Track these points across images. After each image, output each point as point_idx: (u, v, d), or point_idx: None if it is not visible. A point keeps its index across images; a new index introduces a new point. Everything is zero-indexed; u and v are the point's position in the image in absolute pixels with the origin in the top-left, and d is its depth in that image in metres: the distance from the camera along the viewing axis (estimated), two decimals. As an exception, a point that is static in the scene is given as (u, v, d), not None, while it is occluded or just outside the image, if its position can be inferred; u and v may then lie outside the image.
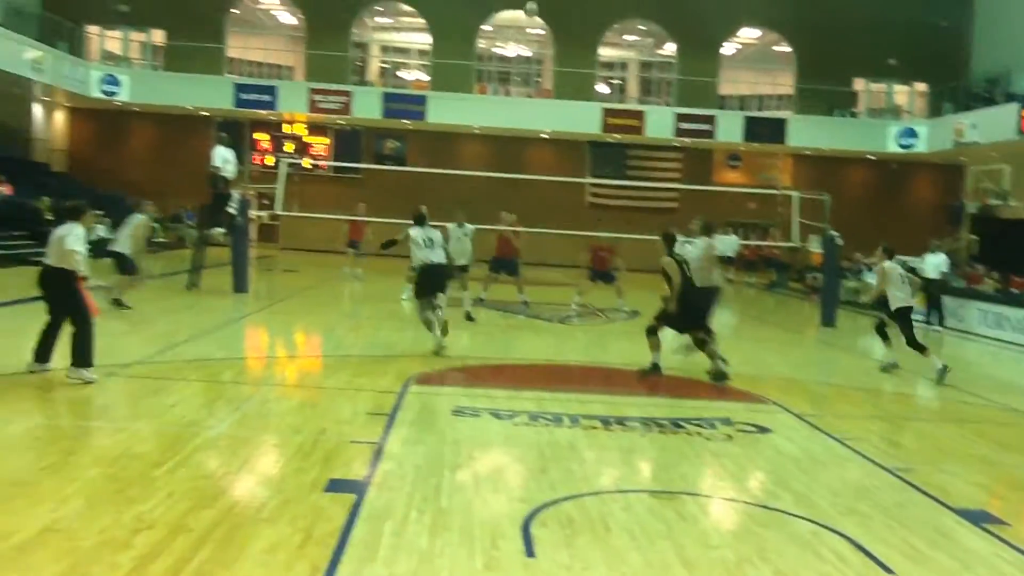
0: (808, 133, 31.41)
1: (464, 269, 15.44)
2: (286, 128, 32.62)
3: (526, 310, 16.63)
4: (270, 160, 31.28)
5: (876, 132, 31.54)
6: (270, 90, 30.77)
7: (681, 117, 31.30)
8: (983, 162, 27.41)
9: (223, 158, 16.96)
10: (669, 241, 10.59)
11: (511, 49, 34.75)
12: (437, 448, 6.81)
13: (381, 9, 33.89)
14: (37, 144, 30.48)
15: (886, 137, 31.10)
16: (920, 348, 11.75)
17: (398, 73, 35.87)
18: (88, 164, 31.73)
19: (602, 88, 34.71)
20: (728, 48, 34.27)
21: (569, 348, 13.13)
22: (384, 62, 35.84)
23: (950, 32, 31.41)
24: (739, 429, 8.03)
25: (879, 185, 33.56)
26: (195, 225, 27.10)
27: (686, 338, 10.84)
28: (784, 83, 33.96)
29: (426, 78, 33.49)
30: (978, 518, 5.84)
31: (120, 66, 31.39)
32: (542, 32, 33.84)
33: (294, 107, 31.05)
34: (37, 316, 8.75)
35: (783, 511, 5.78)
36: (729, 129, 31.31)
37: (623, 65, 36.49)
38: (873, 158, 32.70)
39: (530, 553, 4.82)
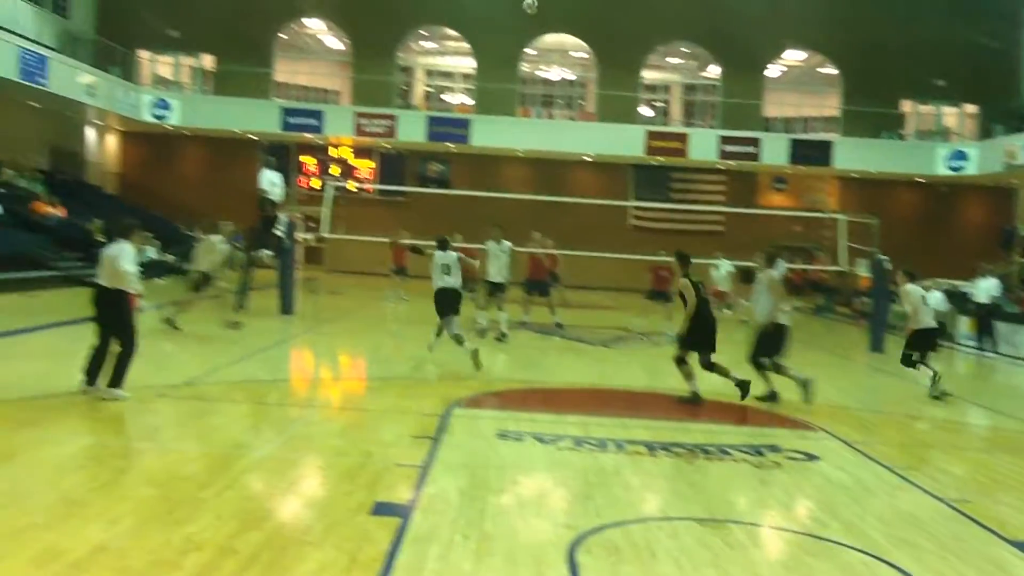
0: (855, 155, 31.11)
1: (501, 288, 15.47)
2: (332, 151, 33.05)
3: (562, 332, 16.66)
4: (316, 183, 31.67)
5: (925, 154, 31.13)
6: (317, 114, 31.22)
7: (725, 140, 31.19)
8: (1036, 184, 26.94)
9: (270, 181, 17.20)
10: (684, 262, 10.59)
11: (554, 72, 34.89)
12: (481, 472, 6.80)
13: (426, 34, 34.27)
14: (90, 167, 31.19)
15: (935, 159, 30.68)
16: (911, 365, 12.14)
17: (442, 97, 36.17)
18: (139, 187, 32.35)
19: (645, 111, 34.68)
20: (773, 70, 34.09)
21: (613, 372, 13.05)
22: (428, 86, 36.17)
23: (1000, 53, 30.96)
24: (787, 456, 7.91)
25: (928, 208, 33.10)
26: (243, 247, 27.52)
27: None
28: (830, 105, 33.69)
29: (470, 102, 33.74)
30: (1036, 551, 5.69)
31: (170, 91, 32.07)
32: (585, 55, 33.97)
33: (340, 131, 31.46)
34: (89, 336, 8.90)
35: (833, 540, 5.67)
36: (774, 152, 31.11)
37: (666, 88, 36.46)
38: (922, 181, 32.26)
39: (576, 580, 4.78)
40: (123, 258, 8.40)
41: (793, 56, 34.23)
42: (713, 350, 10.37)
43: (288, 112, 31.09)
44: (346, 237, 23.79)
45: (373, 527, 5.37)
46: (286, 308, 17.04)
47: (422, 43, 35.22)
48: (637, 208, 32.13)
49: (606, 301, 23.27)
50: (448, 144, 31.52)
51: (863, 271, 23.71)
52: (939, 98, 32.56)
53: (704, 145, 31.24)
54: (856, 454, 8.23)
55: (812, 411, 9.91)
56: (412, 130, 31.07)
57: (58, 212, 23.46)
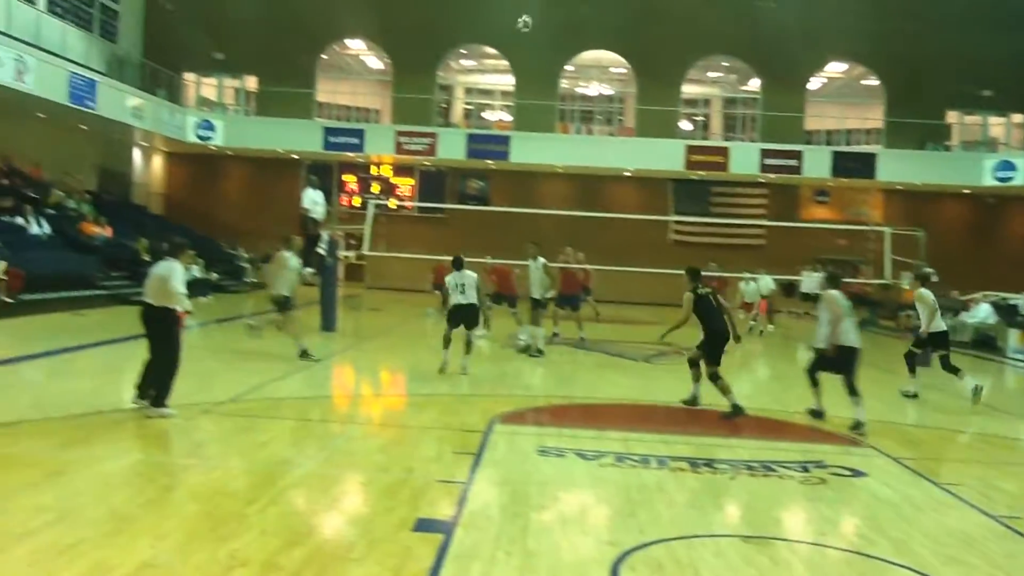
0: (899, 167, 30.70)
1: (538, 304, 15.47)
2: (373, 170, 33.35)
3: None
4: (357, 201, 31.96)
5: (971, 165, 30.63)
6: (358, 133, 31.55)
7: (766, 153, 30.96)
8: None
9: (312, 200, 17.36)
10: (693, 276, 10.83)
11: (593, 88, 34.92)
12: (523, 488, 6.78)
13: (465, 52, 34.49)
14: (136, 187, 31.76)
15: (982, 170, 30.17)
16: (912, 369, 12.77)
17: (482, 114, 36.36)
18: (184, 206, 32.88)
19: (685, 125, 34.55)
20: (814, 82, 33.82)
21: (654, 387, 12.96)
22: (468, 104, 36.37)
23: (1047, 62, 30.47)
24: (833, 472, 7.80)
25: (975, 220, 32.56)
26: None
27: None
28: (873, 117, 33.32)
29: (509, 118, 33.86)
30: (1093, 571, 5.54)
31: (215, 112, 32.60)
32: (624, 70, 33.97)
33: (381, 149, 31.73)
34: (136, 354, 9.06)
35: (882, 559, 5.58)
36: (816, 164, 30.82)
37: (706, 102, 36.32)
38: (968, 192, 31.74)
39: (619, 598, 4.75)
40: (173, 277, 8.57)
41: (834, 68, 33.94)
42: (717, 363, 10.51)
43: (330, 131, 31.45)
44: (387, 255, 23.98)
45: (415, 543, 5.38)
46: (328, 325, 17.17)
47: (461, 61, 35.46)
48: (677, 223, 31.96)
49: (647, 316, 23.14)
50: (488, 161, 31.66)
51: (908, 284, 23.38)
52: (985, 108, 32.06)
53: (745, 159, 31.04)
54: (903, 470, 8.09)
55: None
56: (452, 148, 31.26)
57: (105, 232, 23.89)
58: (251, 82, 33.50)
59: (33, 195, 23.02)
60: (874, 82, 33.13)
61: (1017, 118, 32.10)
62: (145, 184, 32.52)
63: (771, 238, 31.45)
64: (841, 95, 34.40)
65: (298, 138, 31.54)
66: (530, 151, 31.01)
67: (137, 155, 32.07)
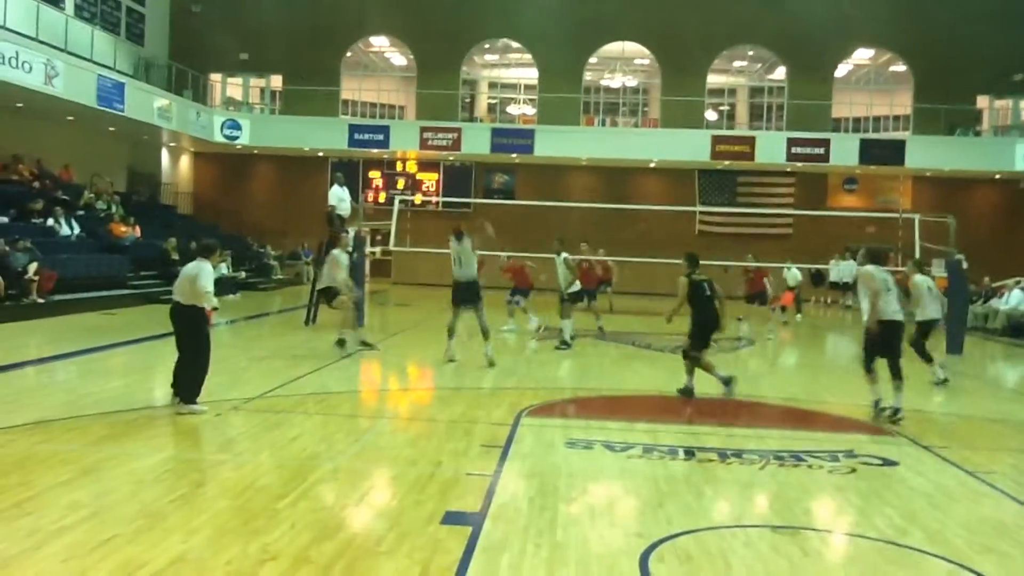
0: (928, 154, 30.34)
1: (563, 298, 15.50)
2: (398, 166, 33.45)
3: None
4: (383, 197, 32.07)
5: (1002, 150, 30.23)
6: (383, 130, 31.67)
7: (793, 141, 30.71)
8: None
9: (338, 197, 17.45)
10: (691, 262, 11.03)
11: (617, 80, 34.79)
12: (551, 481, 6.78)
13: (488, 47, 34.48)
14: (164, 188, 32.06)
15: (1014, 155, 29.75)
16: (928, 357, 12.54)
17: (506, 108, 36.33)
18: (211, 206, 33.17)
19: (710, 115, 34.34)
20: (841, 70, 33.48)
21: (681, 378, 12.88)
22: (492, 98, 36.36)
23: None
24: (863, 462, 7.73)
25: (1007, 206, 32.15)
26: (312, 262, 27.97)
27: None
28: (901, 103, 32.93)
29: (533, 112, 33.83)
30: None
31: (241, 111, 32.84)
32: (647, 62, 33.82)
33: (406, 145, 31.82)
34: (166, 352, 9.16)
35: (915, 548, 5.52)
36: (844, 152, 30.54)
37: (732, 91, 36.08)
38: (999, 177, 31.31)
39: (648, 589, 4.74)
40: (202, 277, 8.74)
41: (861, 55, 33.59)
42: (707, 347, 10.88)
43: (355, 129, 31.58)
44: (413, 250, 24.05)
45: (445, 536, 5.39)
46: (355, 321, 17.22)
47: (485, 56, 35.45)
48: (703, 213, 31.79)
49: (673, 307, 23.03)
50: (512, 155, 31.64)
51: (939, 271, 23.11)
52: (1016, 92, 31.60)
53: (772, 148, 30.81)
54: (936, 459, 8.01)
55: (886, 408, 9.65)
56: (476, 142, 31.29)
57: (134, 233, 24.14)
58: (276, 81, 33.73)
59: (63, 197, 23.31)
60: (902, 68, 32.76)
61: (1049, 102, 31.64)
62: (173, 184, 32.83)
63: (798, 227, 31.24)
64: (868, 82, 34.04)
65: (323, 136, 31.70)
66: (554, 144, 30.97)
67: (165, 156, 32.38)
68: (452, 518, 5.75)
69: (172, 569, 4.75)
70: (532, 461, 7.41)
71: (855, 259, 15.81)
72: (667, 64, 32.64)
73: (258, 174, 34.36)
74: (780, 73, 33.55)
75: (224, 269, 24.58)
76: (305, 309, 17.94)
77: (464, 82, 34.39)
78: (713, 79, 33.86)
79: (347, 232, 17.22)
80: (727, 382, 10.72)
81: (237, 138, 31.23)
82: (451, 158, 32.66)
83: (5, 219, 20.09)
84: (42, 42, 22.12)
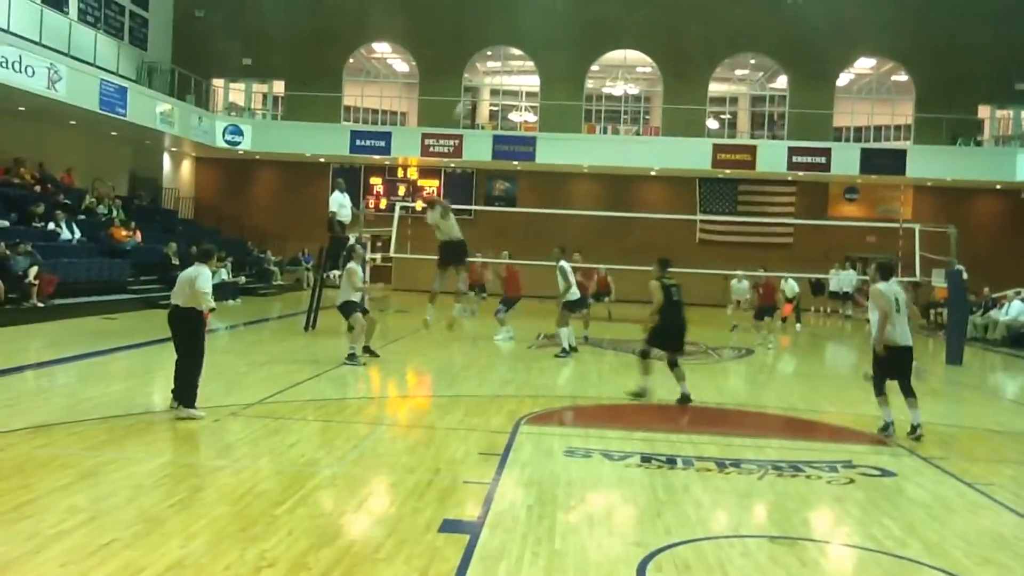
0: (929, 163, 30.33)
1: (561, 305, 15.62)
2: (399, 172, 33.49)
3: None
4: (384, 203, 32.07)
5: (1003, 160, 30.20)
6: (384, 136, 31.69)
7: (794, 150, 30.72)
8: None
9: (339, 203, 17.46)
10: (662, 265, 11.28)
11: (619, 88, 34.84)
12: (550, 489, 6.78)
13: (490, 54, 34.53)
14: (166, 193, 32.09)
15: (1015, 165, 29.73)
16: None
17: (508, 115, 36.36)
18: (213, 211, 33.18)
19: (711, 123, 34.37)
20: (843, 79, 33.53)
21: (676, 388, 12.90)
22: (493, 105, 36.42)
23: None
24: (862, 472, 7.73)
25: (1008, 216, 32.13)
26: (312, 268, 27.99)
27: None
28: (903, 113, 32.96)
29: (534, 119, 33.86)
30: None
31: (243, 117, 32.89)
32: (649, 70, 33.87)
33: (407, 152, 31.83)
34: (166, 357, 9.17)
35: (913, 560, 5.52)
36: (845, 161, 30.52)
37: (733, 100, 36.12)
38: (1000, 187, 31.32)
39: (646, 598, 4.74)
40: (201, 279, 8.82)
41: (863, 64, 33.63)
42: (678, 350, 11.10)
43: (356, 135, 31.60)
44: (413, 256, 24.03)
45: (442, 544, 5.40)
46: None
47: (487, 63, 35.51)
48: (704, 222, 31.79)
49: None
50: (514, 162, 31.68)
51: (939, 281, 23.14)
52: (1017, 102, 31.63)
53: (772, 156, 30.81)
54: (935, 470, 8.01)
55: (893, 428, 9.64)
56: (478, 149, 31.29)
57: (135, 237, 24.15)
58: (279, 87, 33.76)
59: (65, 201, 23.33)
60: (903, 77, 32.80)
61: (1050, 112, 31.65)
62: (175, 189, 32.85)
63: (799, 236, 31.25)
64: (870, 91, 34.07)
65: (325, 142, 31.70)
66: (556, 152, 30.98)
67: (167, 160, 32.40)
68: (450, 526, 5.76)
69: (170, 574, 4.76)
70: (530, 469, 7.41)
71: (855, 268, 15.84)
72: (669, 72, 32.69)
73: (260, 179, 34.39)
74: (782, 82, 33.58)
75: (224, 274, 24.60)
76: (305, 315, 17.92)
77: (466, 89, 34.44)
78: (715, 87, 33.89)
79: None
80: (641, 393, 11.04)
81: (239, 143, 31.26)
82: (452, 165, 32.70)
83: (6, 223, 20.10)
84: (45, 46, 22.17)
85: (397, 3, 32.68)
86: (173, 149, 32.11)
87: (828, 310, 29.14)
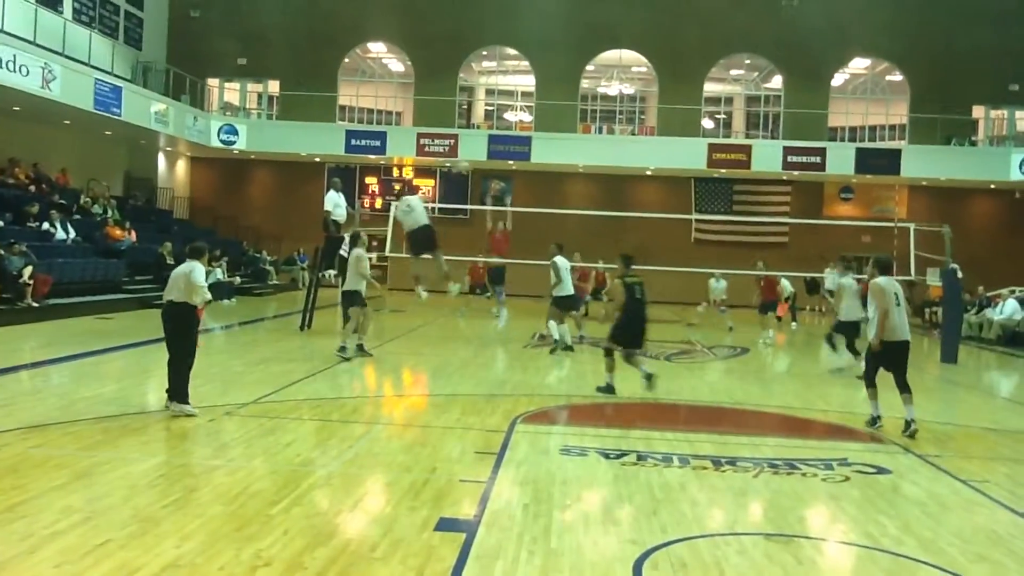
0: (924, 163, 30.41)
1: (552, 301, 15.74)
2: (395, 172, 33.47)
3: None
4: (379, 203, 32.06)
5: (998, 160, 30.28)
6: (380, 136, 31.69)
7: (789, 150, 30.77)
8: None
9: (334, 202, 17.43)
10: (625, 263, 11.50)
11: (614, 88, 34.86)
12: (545, 488, 6.78)
13: (486, 53, 34.53)
14: (161, 192, 32.04)
15: (1009, 165, 29.81)
16: (833, 347, 14.44)
17: (503, 115, 36.35)
18: (208, 210, 33.14)
19: (707, 123, 34.40)
20: (838, 79, 33.58)
21: (676, 385, 12.91)
22: (489, 105, 36.41)
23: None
24: (857, 470, 7.74)
25: (1002, 215, 32.22)
26: (308, 267, 27.96)
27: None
28: (897, 113, 33.02)
29: (530, 119, 33.86)
30: (1123, 568, 5.46)
31: (238, 116, 32.85)
32: (645, 70, 33.89)
33: (402, 151, 31.83)
34: (161, 357, 9.16)
35: (909, 557, 5.53)
36: (840, 161, 30.58)
37: (728, 100, 36.15)
38: (995, 187, 31.39)
39: (642, 597, 4.74)
40: (195, 273, 8.90)
41: (858, 64, 33.69)
42: (638, 347, 11.34)
43: (352, 134, 31.60)
44: (409, 256, 23.97)
45: (438, 543, 5.39)
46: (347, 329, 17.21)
47: (483, 63, 35.50)
48: (699, 221, 31.85)
49: (669, 315, 23.07)
50: (509, 162, 31.67)
51: (934, 280, 23.20)
52: (1012, 102, 31.70)
53: (768, 156, 30.86)
54: (930, 467, 8.02)
55: (882, 424, 9.65)
56: (473, 149, 31.27)
57: (130, 237, 24.11)
58: (274, 86, 33.73)
59: (60, 201, 23.27)
60: (898, 77, 32.86)
61: (1044, 112, 31.72)
62: (170, 189, 32.81)
63: (794, 236, 31.28)
64: (865, 91, 34.13)
65: (320, 141, 31.70)
66: (551, 151, 31.00)
67: (161, 160, 32.35)
68: (446, 525, 5.75)
69: (165, 574, 4.74)
70: (526, 468, 7.41)
71: (849, 268, 15.95)
72: (664, 72, 32.71)
73: (255, 179, 34.35)
74: (777, 82, 33.64)
75: (219, 274, 24.56)
76: (300, 314, 17.90)
77: (461, 89, 34.42)
78: (710, 87, 33.93)
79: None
80: (608, 389, 11.16)
81: (234, 143, 31.23)
82: (447, 164, 32.68)
83: (1, 223, 20.06)
84: (40, 46, 22.10)
85: (392, 3, 32.70)
86: (168, 149, 32.06)
87: (823, 309, 29.16)
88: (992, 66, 30.52)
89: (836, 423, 10.25)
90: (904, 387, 9.43)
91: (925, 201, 31.77)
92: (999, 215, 32.24)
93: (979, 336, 21.53)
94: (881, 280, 9.65)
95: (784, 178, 31.87)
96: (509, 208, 19.06)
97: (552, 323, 15.61)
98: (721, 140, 32.81)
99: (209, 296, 9.15)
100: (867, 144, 32.31)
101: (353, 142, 31.40)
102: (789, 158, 30.67)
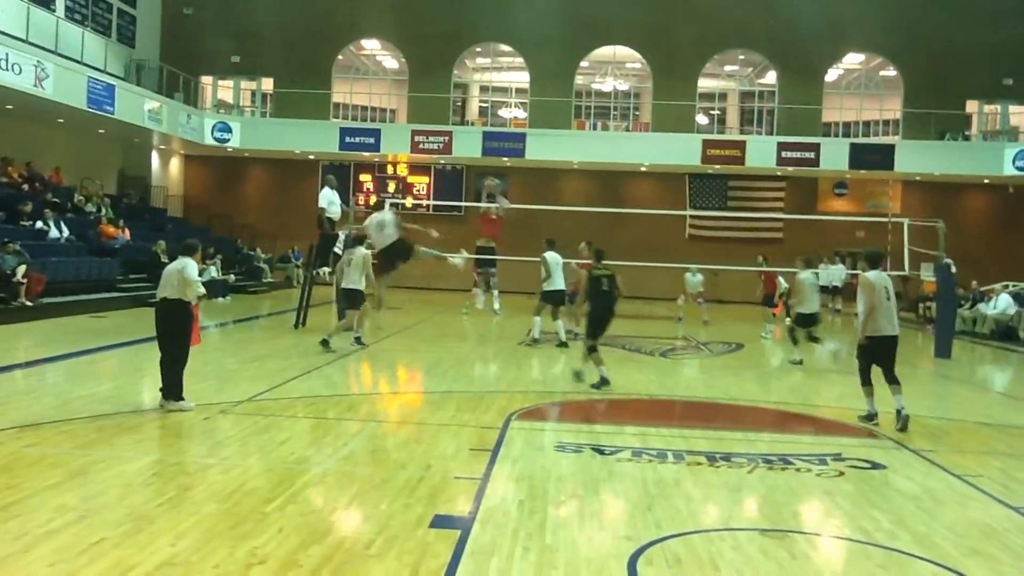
0: (918, 158, 30.44)
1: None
2: (389, 169, 33.45)
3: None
4: (373, 200, 31.99)
5: (991, 155, 30.34)
6: (374, 133, 31.63)
7: (783, 146, 30.77)
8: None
9: (328, 199, 17.42)
10: (596, 256, 11.87)
11: (608, 84, 34.86)
12: (540, 484, 6.79)
13: (480, 50, 34.50)
14: (155, 190, 31.98)
15: (1002, 160, 29.87)
16: (795, 340, 15.13)
17: (498, 112, 36.33)
18: (202, 208, 33.09)
19: (701, 119, 34.42)
20: (832, 74, 33.61)
21: (671, 381, 12.96)
22: (483, 101, 36.40)
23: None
24: (851, 465, 7.76)
25: (996, 210, 32.26)
26: (302, 265, 27.93)
27: None
28: (891, 108, 33.07)
29: (524, 116, 33.85)
30: (1116, 561, 5.48)
31: (232, 114, 32.79)
32: (639, 66, 33.90)
33: (397, 148, 31.79)
34: (155, 355, 9.16)
35: (903, 551, 5.55)
36: (834, 157, 30.60)
37: (723, 95, 36.16)
38: (988, 182, 31.45)
39: (636, 592, 4.75)
40: (188, 269, 8.92)
41: (852, 59, 33.73)
42: (594, 337, 11.51)
43: (346, 132, 31.54)
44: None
45: (433, 540, 5.40)
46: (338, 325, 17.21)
47: (477, 59, 35.48)
48: (694, 217, 31.87)
49: (664, 311, 23.09)
50: (503, 159, 31.66)
51: (928, 275, 23.26)
52: (1005, 97, 31.76)
53: (762, 152, 30.86)
54: (924, 462, 8.04)
55: (879, 421, 9.68)
56: (467, 146, 31.27)
57: (124, 235, 24.06)
58: (267, 84, 33.67)
59: (53, 199, 23.22)
60: (892, 73, 32.90)
61: (1038, 107, 31.80)
62: (164, 187, 32.74)
63: (789, 232, 31.27)
64: (859, 87, 34.17)
65: (314, 139, 31.65)
66: (546, 148, 30.97)
67: (155, 158, 32.28)
68: (441, 521, 5.76)
69: (160, 573, 4.74)
70: (521, 464, 7.41)
71: (844, 263, 16.08)
72: (658, 68, 32.71)
73: (249, 177, 34.29)
74: (771, 77, 33.66)
75: (214, 272, 24.52)
76: (295, 312, 17.88)
77: (456, 85, 34.40)
78: (704, 83, 33.94)
79: (337, 235, 17.23)
80: (602, 382, 11.29)
81: (228, 141, 31.17)
82: (442, 161, 32.67)
83: (-6, 221, 20.04)
84: (32, 44, 22.04)
85: (387, 0, 32.63)
86: (162, 147, 31.99)
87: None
88: (985, 61, 30.57)
89: (830, 418, 10.28)
90: (893, 379, 9.49)
91: (919, 196, 31.81)
92: (993, 210, 32.30)
93: (973, 331, 21.58)
94: (870, 274, 9.66)
95: (778, 174, 31.89)
96: (508, 205, 18.93)
97: (536, 319, 16.01)
98: (715, 136, 32.82)
99: (203, 291, 9.16)
100: (861, 139, 32.35)
101: (347, 139, 31.35)
102: (783, 154, 30.68)
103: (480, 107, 36.33)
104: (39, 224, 21.33)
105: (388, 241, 13.44)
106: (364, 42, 34.44)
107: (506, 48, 33.69)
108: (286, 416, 8.99)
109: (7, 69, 20.22)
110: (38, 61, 21.35)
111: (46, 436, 7.74)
